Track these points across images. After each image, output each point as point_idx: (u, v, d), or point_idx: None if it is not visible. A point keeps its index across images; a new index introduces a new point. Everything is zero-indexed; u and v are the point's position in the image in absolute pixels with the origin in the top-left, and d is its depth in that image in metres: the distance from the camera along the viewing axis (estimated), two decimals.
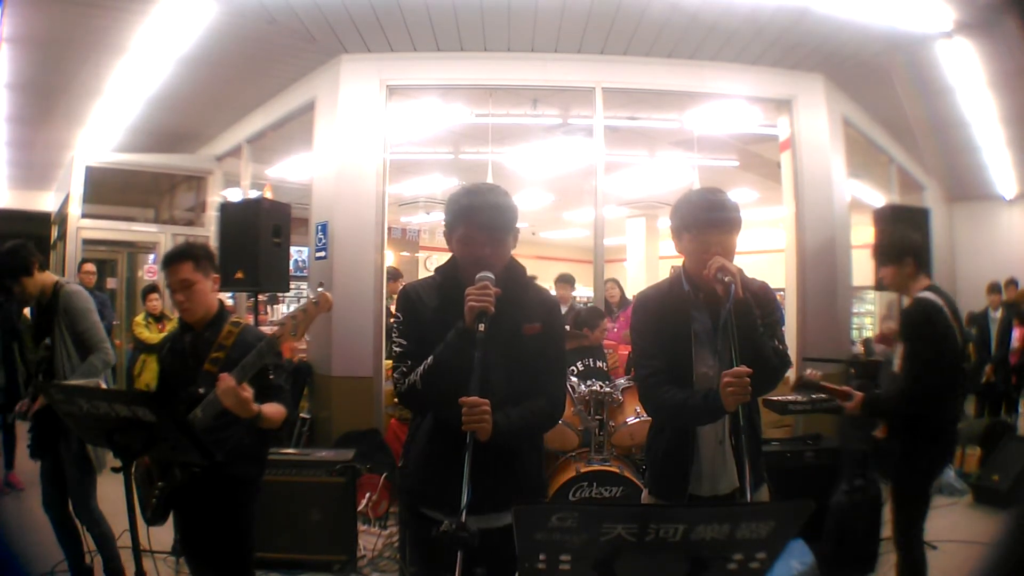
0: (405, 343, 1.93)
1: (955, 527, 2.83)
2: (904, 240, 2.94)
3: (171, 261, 2.36)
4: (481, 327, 1.74)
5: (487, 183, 2.00)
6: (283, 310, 9.31)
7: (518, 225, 1.95)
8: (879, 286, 3.32)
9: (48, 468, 3.22)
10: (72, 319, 3.14)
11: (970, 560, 2.82)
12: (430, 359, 1.83)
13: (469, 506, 1.54)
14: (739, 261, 1.96)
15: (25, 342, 5.06)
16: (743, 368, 1.75)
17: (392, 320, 2.02)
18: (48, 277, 3.24)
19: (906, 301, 2.92)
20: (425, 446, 1.92)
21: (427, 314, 1.90)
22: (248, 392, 2.10)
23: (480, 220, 1.86)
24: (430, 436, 1.91)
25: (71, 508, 3.18)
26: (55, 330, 3.14)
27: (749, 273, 2.00)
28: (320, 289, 2.17)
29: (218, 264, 2.51)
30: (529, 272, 2.11)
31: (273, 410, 2.24)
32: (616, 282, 6.54)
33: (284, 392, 2.34)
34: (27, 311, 5.27)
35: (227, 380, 2.08)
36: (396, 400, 5.31)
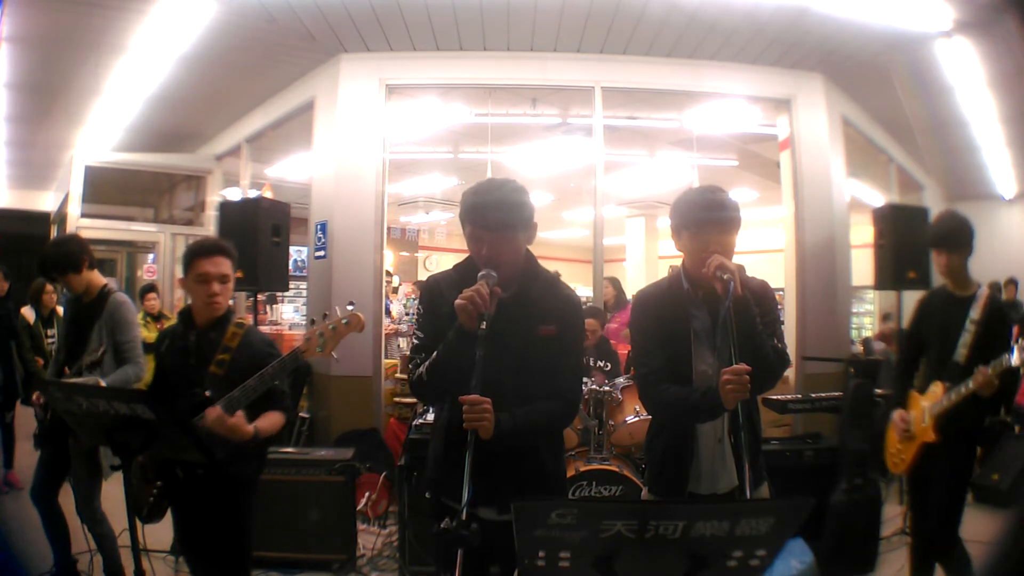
0: (422, 336, 1.95)
1: None
2: (969, 225, 2.81)
3: (213, 252, 2.32)
4: (483, 325, 1.74)
5: (500, 179, 1.96)
6: (282, 310, 9.31)
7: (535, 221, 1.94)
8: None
9: (47, 459, 3.22)
10: (116, 328, 3.13)
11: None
12: (434, 354, 1.86)
13: (488, 502, 1.60)
14: (738, 261, 1.96)
15: (23, 341, 5.08)
16: (742, 366, 1.76)
17: (414, 311, 2.04)
18: (96, 278, 3.23)
19: (950, 287, 2.84)
20: (443, 440, 1.94)
21: (445, 308, 1.89)
22: (238, 419, 2.10)
23: (485, 219, 1.86)
24: (447, 430, 1.92)
25: (75, 506, 3.17)
26: (93, 332, 3.12)
27: (749, 272, 2.00)
28: (351, 308, 2.15)
29: None
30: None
31: (269, 423, 2.22)
32: (612, 282, 6.48)
33: (284, 397, 2.33)
34: (25, 310, 5.29)
35: (213, 412, 2.09)
36: (395, 399, 5.33)
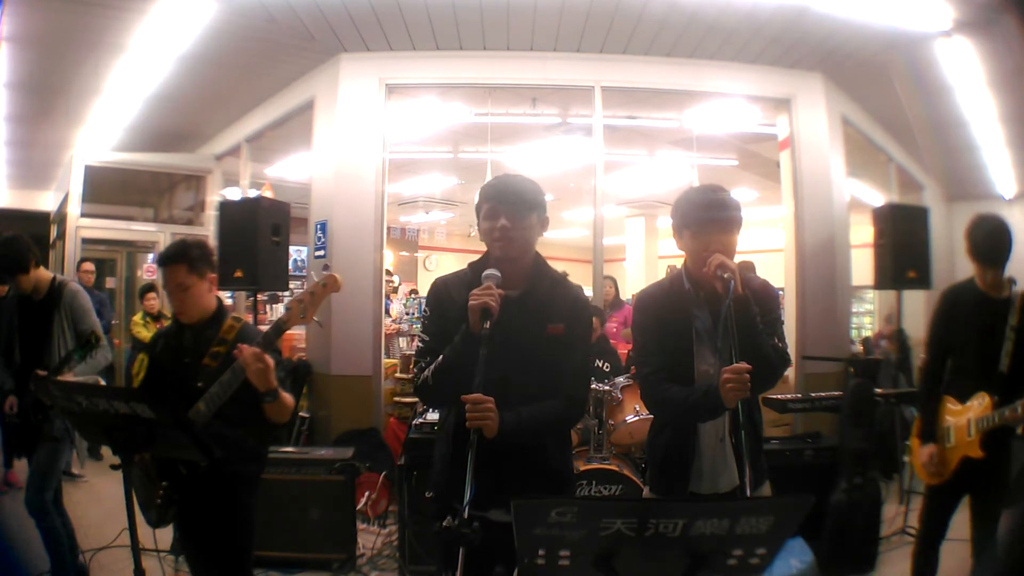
0: (428, 339, 1.96)
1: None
2: (1011, 235, 2.68)
3: (165, 262, 2.32)
4: (486, 325, 1.75)
5: (517, 173, 2.05)
6: (283, 310, 9.30)
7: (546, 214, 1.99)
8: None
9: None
10: (78, 317, 3.17)
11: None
12: (440, 358, 1.87)
13: (495, 502, 1.62)
14: (747, 259, 1.95)
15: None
16: (742, 364, 1.76)
17: (413, 311, 2.05)
18: (43, 273, 3.23)
19: (983, 288, 2.72)
20: (450, 442, 1.94)
21: (453, 310, 1.90)
22: (272, 361, 2.09)
23: (504, 195, 1.91)
24: (454, 432, 1.92)
25: (24, 495, 3.14)
26: (55, 326, 3.13)
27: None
28: (326, 271, 2.16)
29: (216, 260, 2.46)
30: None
31: (287, 396, 2.21)
32: (611, 281, 6.49)
33: (285, 386, 2.33)
34: None
35: (251, 347, 2.07)
36: (395, 399, 5.33)
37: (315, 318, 2.16)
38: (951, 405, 2.77)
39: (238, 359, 2.09)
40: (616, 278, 6.95)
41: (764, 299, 2.01)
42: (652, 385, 2.03)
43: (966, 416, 2.67)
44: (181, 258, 2.30)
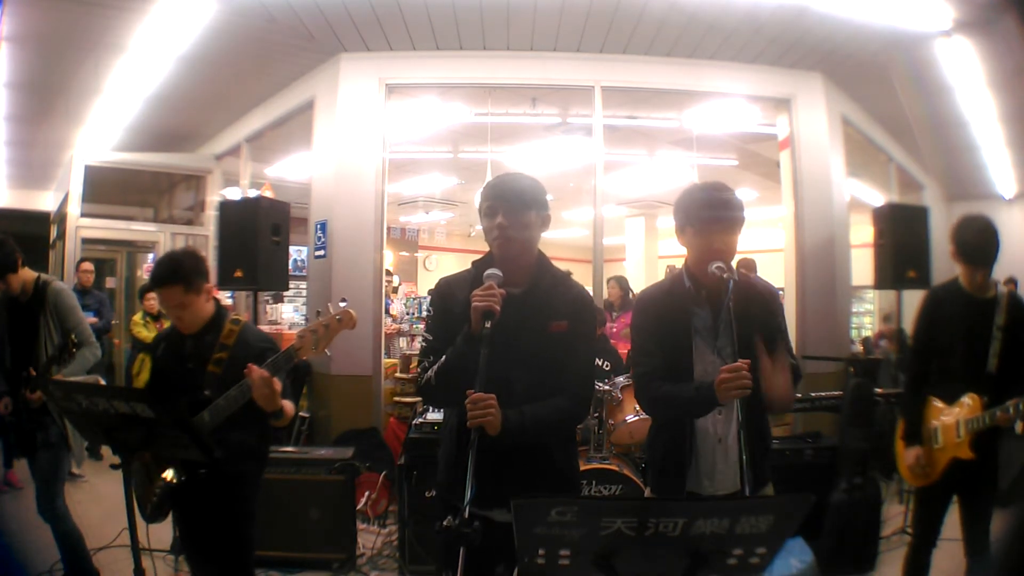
0: (431, 338, 1.97)
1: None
2: (999, 236, 2.67)
3: (160, 284, 2.29)
4: (487, 325, 1.75)
5: (519, 172, 2.05)
6: (282, 309, 9.30)
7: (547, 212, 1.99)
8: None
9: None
10: (62, 315, 3.15)
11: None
12: (443, 358, 1.87)
13: (499, 501, 1.61)
14: (750, 258, 1.96)
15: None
16: (740, 362, 1.76)
17: (414, 311, 2.05)
18: (28, 273, 3.22)
19: (969, 289, 2.70)
20: (454, 442, 1.94)
21: (457, 309, 1.90)
22: (279, 385, 2.11)
23: (503, 193, 1.92)
24: (458, 432, 1.92)
25: (35, 504, 3.14)
26: (41, 326, 3.13)
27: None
28: (343, 305, 2.16)
29: (207, 266, 2.43)
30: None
31: (289, 406, 2.24)
32: (619, 281, 6.48)
33: (286, 391, 2.34)
34: None
35: (261, 370, 2.08)
36: (395, 399, 5.34)
37: (327, 351, 2.16)
38: (937, 406, 2.74)
39: (247, 377, 2.09)
40: (626, 278, 6.93)
41: (770, 302, 2.02)
42: (646, 384, 2.03)
43: (954, 417, 2.65)
44: (176, 279, 2.27)
